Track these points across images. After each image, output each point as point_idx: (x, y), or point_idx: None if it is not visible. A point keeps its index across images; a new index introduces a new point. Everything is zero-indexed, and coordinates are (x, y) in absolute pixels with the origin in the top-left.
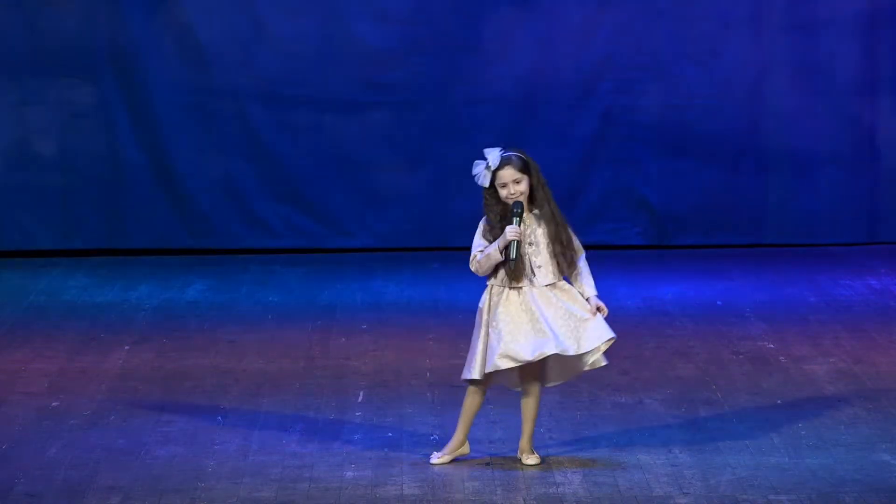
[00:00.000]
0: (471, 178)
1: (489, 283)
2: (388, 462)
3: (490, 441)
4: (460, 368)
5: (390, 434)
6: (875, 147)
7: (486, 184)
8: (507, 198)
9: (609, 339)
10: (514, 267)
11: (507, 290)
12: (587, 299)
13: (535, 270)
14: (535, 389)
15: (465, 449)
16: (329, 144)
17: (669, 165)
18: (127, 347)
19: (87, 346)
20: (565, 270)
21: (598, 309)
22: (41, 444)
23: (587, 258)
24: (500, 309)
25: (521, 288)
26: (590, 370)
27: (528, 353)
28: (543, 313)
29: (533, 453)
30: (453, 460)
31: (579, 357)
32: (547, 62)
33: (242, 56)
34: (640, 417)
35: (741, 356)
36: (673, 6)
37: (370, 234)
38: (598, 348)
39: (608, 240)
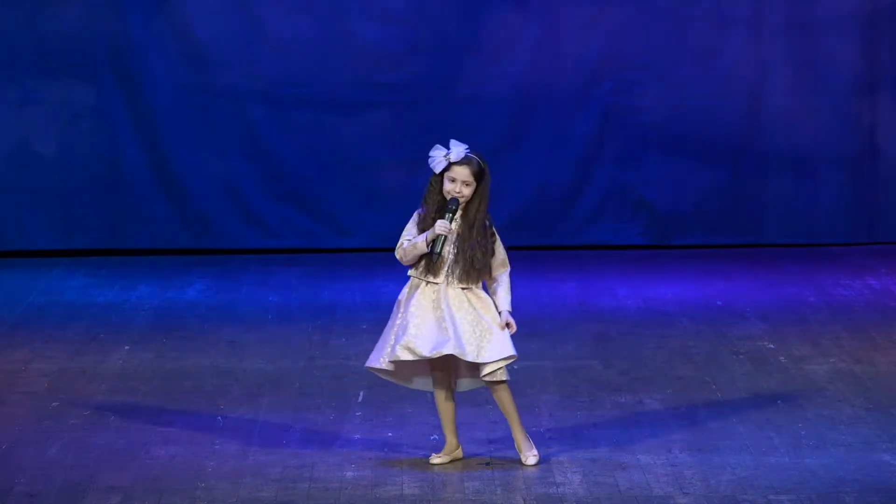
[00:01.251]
0: None
1: (409, 273)
2: (388, 462)
3: (490, 441)
4: None
5: (390, 434)
6: (875, 147)
7: (438, 171)
8: (448, 192)
9: (509, 357)
10: (435, 261)
11: (423, 283)
12: (499, 312)
13: (452, 269)
14: (498, 386)
15: (459, 453)
16: (329, 144)
17: (669, 165)
18: (127, 347)
19: (87, 346)
20: (472, 281)
21: (508, 325)
22: (41, 444)
23: (511, 274)
24: (413, 301)
25: (437, 284)
26: (491, 381)
27: (427, 349)
28: (452, 313)
29: (531, 448)
30: (453, 461)
31: (478, 366)
32: (547, 62)
33: (242, 56)
34: (640, 417)
35: (741, 356)
36: (673, 6)
37: (370, 234)
38: (496, 363)
39: (608, 240)
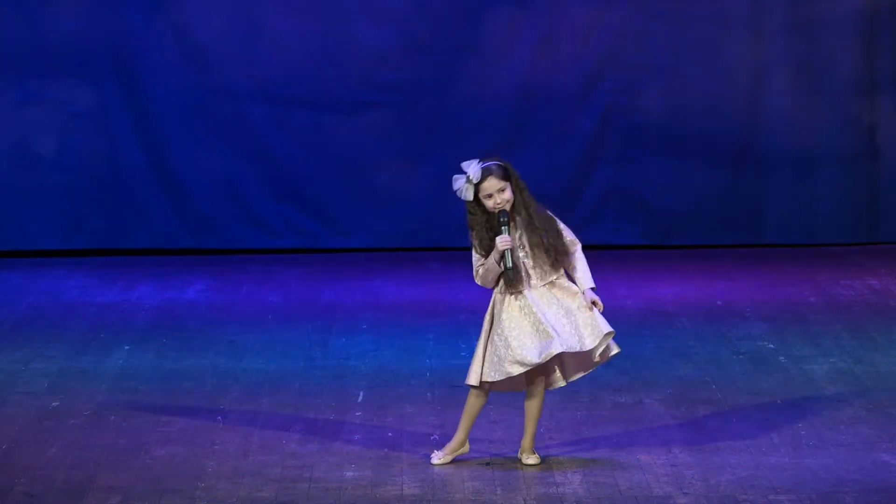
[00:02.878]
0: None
1: (493, 290)
2: (388, 462)
3: (490, 441)
4: (460, 368)
5: (390, 434)
6: (875, 147)
7: (470, 197)
8: (493, 208)
9: (607, 333)
10: (512, 276)
11: (508, 296)
12: (583, 293)
13: (531, 272)
14: (539, 390)
15: (465, 448)
16: (329, 144)
17: (669, 165)
18: (127, 347)
19: (87, 346)
20: (559, 268)
21: (594, 303)
22: (41, 444)
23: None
24: (504, 316)
25: (521, 292)
26: (605, 360)
27: (536, 356)
28: (545, 314)
29: (534, 453)
30: (453, 460)
31: (588, 352)
32: (547, 62)
33: (242, 56)
34: (640, 417)
35: (741, 356)
36: (673, 6)
37: (370, 234)
38: (600, 343)
39: (608, 240)
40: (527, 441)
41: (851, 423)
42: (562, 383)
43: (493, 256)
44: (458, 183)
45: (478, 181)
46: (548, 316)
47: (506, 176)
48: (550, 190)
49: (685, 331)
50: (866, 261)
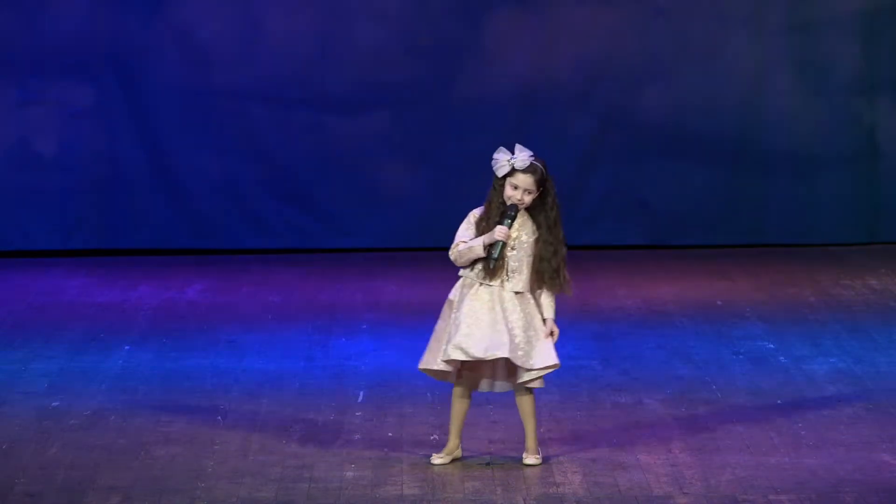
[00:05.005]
0: (471, 177)
1: (462, 274)
2: (388, 462)
3: (490, 441)
4: None
5: (390, 434)
6: (875, 147)
7: (500, 174)
8: (509, 198)
9: (552, 366)
10: (493, 266)
11: (478, 285)
12: (544, 320)
13: (510, 275)
14: (521, 390)
15: (458, 453)
16: (329, 144)
17: (669, 165)
18: (127, 347)
19: (87, 346)
20: (536, 287)
21: (552, 333)
22: (41, 444)
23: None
24: (467, 302)
25: (491, 287)
26: (524, 386)
27: (481, 351)
28: (507, 316)
29: (536, 454)
30: (453, 460)
31: (519, 370)
32: (547, 62)
33: (242, 56)
34: (640, 417)
35: (741, 356)
36: (673, 6)
37: (370, 234)
38: (540, 370)
39: (608, 240)
40: (529, 441)
41: (851, 423)
42: (486, 388)
43: (484, 240)
44: (501, 156)
45: (520, 168)
46: (509, 320)
47: (541, 184)
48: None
49: (685, 331)
50: (866, 261)
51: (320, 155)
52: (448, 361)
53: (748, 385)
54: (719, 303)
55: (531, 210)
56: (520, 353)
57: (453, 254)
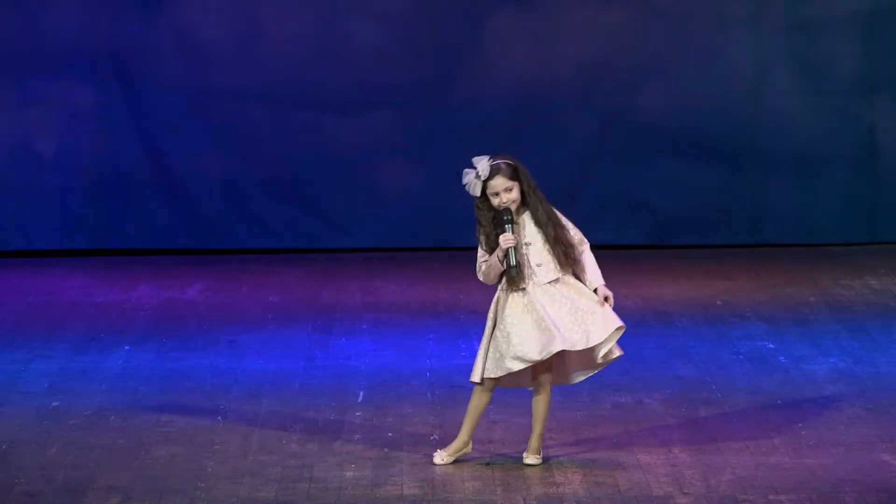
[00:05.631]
0: None
1: (497, 288)
2: (388, 462)
3: (490, 441)
4: (460, 368)
5: (390, 434)
6: (875, 147)
7: (478, 193)
8: (499, 206)
9: (618, 328)
10: (515, 274)
11: (511, 293)
12: (594, 290)
13: (536, 269)
14: (546, 389)
15: (469, 448)
16: (329, 144)
17: (669, 165)
18: (127, 347)
19: (87, 346)
20: (568, 266)
21: (606, 299)
22: (41, 444)
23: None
24: (507, 312)
25: (524, 289)
26: (606, 362)
27: (536, 353)
28: (547, 311)
29: (538, 454)
30: (455, 460)
31: (592, 350)
32: (547, 62)
33: (242, 56)
34: (640, 417)
35: (741, 356)
36: (673, 6)
37: (370, 234)
38: (608, 339)
39: (608, 240)
40: (533, 441)
41: (851, 423)
42: (565, 383)
43: (497, 254)
44: (467, 178)
45: (486, 178)
46: (551, 313)
47: (514, 175)
48: (550, 190)
49: (685, 331)
50: (866, 261)
51: (320, 155)
52: (508, 374)
53: (748, 385)
54: (719, 303)
55: (522, 203)
56: (576, 337)
57: (480, 276)
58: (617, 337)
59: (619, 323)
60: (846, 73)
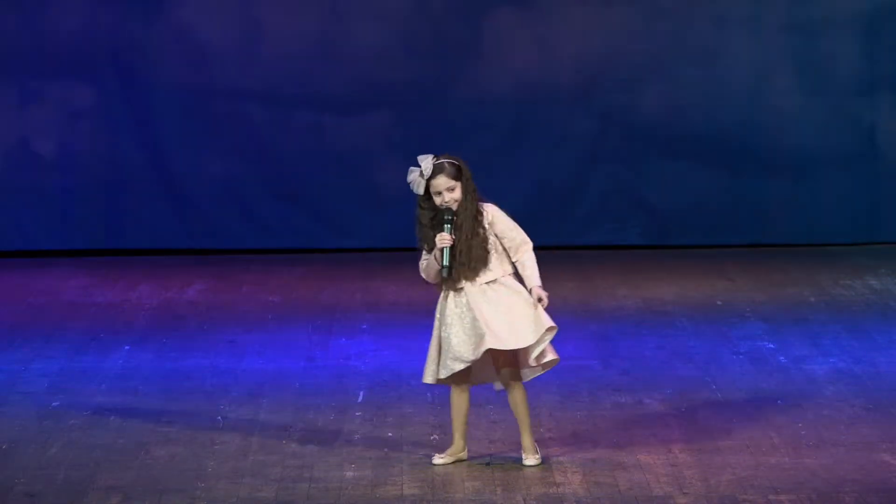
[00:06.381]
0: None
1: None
2: (388, 462)
3: (490, 441)
4: None
5: (390, 434)
6: (875, 147)
7: (421, 192)
8: (440, 205)
9: (548, 329)
10: (447, 274)
11: (449, 294)
12: (530, 290)
13: (473, 270)
14: (515, 386)
15: (464, 455)
16: (329, 144)
17: (669, 165)
18: (127, 347)
19: (87, 346)
20: (507, 266)
21: (539, 299)
22: (41, 444)
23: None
24: (447, 312)
25: (460, 290)
26: (545, 367)
27: (470, 352)
28: (482, 310)
29: (535, 453)
30: (455, 461)
31: (527, 353)
32: (547, 62)
33: (242, 56)
34: (640, 417)
35: (741, 356)
36: (673, 6)
37: (370, 234)
38: (540, 340)
39: (608, 240)
40: (525, 440)
41: (851, 423)
42: (498, 386)
43: (434, 253)
44: (411, 176)
45: (429, 177)
46: (485, 313)
47: (457, 175)
48: (550, 190)
49: (685, 331)
50: (866, 261)
51: (320, 155)
52: (451, 375)
53: (748, 385)
54: (719, 303)
55: (459, 207)
56: (506, 336)
57: (422, 274)
58: (549, 337)
59: (549, 323)
60: (846, 73)
